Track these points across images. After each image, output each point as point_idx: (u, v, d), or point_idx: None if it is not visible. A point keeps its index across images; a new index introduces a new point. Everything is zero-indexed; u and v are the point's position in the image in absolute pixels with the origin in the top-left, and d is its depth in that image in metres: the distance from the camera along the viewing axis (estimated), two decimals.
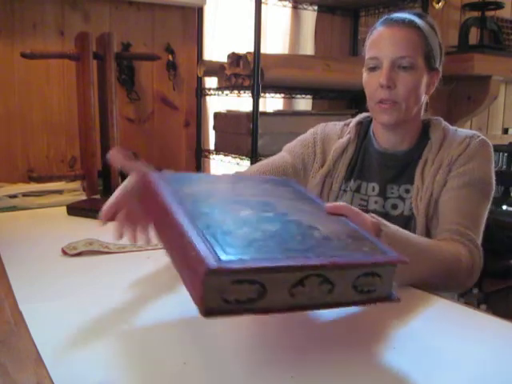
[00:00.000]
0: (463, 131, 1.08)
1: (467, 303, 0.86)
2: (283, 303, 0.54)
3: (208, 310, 0.51)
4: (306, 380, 0.57)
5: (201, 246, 0.53)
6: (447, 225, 0.97)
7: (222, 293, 0.51)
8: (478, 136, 1.05)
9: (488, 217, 1.03)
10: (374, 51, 1.04)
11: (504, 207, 2.42)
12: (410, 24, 1.02)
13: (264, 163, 1.21)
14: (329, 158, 1.16)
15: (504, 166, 2.69)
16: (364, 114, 1.19)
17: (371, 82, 1.05)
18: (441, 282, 0.88)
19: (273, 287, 0.53)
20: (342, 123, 1.22)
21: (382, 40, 1.03)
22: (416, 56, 1.01)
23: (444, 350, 0.65)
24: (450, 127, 1.10)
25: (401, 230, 0.84)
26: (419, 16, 1.06)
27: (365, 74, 1.07)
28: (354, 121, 1.19)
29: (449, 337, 0.69)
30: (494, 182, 1.03)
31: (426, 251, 0.86)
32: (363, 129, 1.17)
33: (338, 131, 1.19)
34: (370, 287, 0.59)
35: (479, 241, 0.98)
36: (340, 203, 0.74)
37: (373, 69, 1.04)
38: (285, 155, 1.21)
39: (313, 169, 1.18)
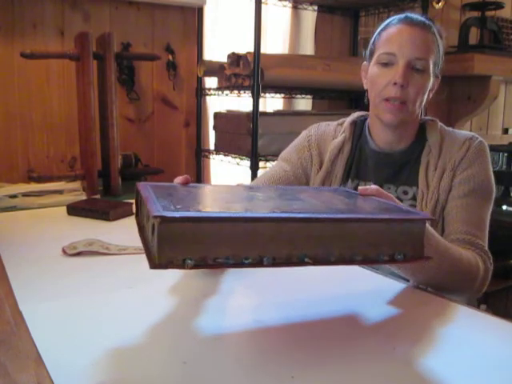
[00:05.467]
0: (460, 133, 1.08)
1: (467, 303, 0.86)
2: None
3: None
4: (307, 380, 0.57)
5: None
6: (457, 234, 0.99)
7: None
8: (477, 138, 1.06)
9: None
10: (390, 46, 1.02)
11: (504, 207, 2.42)
12: (430, 28, 1.02)
13: (266, 178, 1.18)
14: (326, 159, 1.15)
15: (504, 166, 2.69)
16: (357, 113, 1.18)
17: (382, 78, 1.02)
18: (458, 286, 0.90)
19: None
20: (335, 123, 1.20)
21: (401, 37, 1.01)
22: (429, 60, 1.01)
23: (443, 349, 0.65)
24: (446, 128, 1.10)
25: (439, 237, 0.85)
26: (431, 21, 1.05)
27: (374, 69, 1.04)
28: (347, 120, 1.18)
29: (448, 337, 0.69)
30: (494, 183, 1.05)
31: (452, 253, 0.87)
32: (358, 128, 1.16)
33: (332, 131, 1.18)
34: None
35: (486, 246, 1.00)
36: (371, 186, 0.79)
37: (385, 64, 1.02)
38: (283, 165, 1.19)
39: (312, 172, 1.16)
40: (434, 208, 1.02)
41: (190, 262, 0.54)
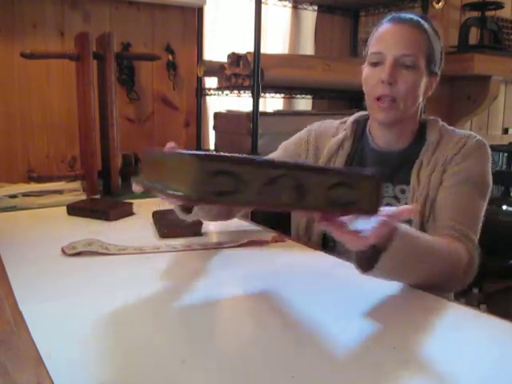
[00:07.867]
0: (460, 132, 1.08)
1: (467, 303, 0.85)
2: (252, 199, 0.58)
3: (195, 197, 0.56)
4: (307, 380, 0.57)
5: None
6: (443, 221, 0.98)
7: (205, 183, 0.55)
8: (475, 136, 1.06)
9: (488, 217, 1.03)
10: (378, 46, 1.04)
11: (504, 207, 2.42)
12: (417, 24, 1.02)
13: None
14: (323, 154, 1.17)
15: (504, 166, 2.69)
16: (360, 113, 1.19)
17: (372, 78, 1.04)
18: (440, 281, 0.88)
19: (247, 182, 0.57)
20: (338, 121, 1.22)
21: (387, 36, 1.03)
22: (419, 56, 1.01)
23: (443, 350, 0.65)
24: (448, 127, 1.10)
25: (412, 228, 0.84)
26: (425, 19, 1.06)
27: (366, 69, 1.06)
28: (350, 119, 1.19)
29: (448, 337, 0.69)
30: (490, 180, 1.03)
31: (432, 251, 0.85)
32: (360, 127, 1.17)
33: (334, 129, 1.20)
34: (347, 199, 0.64)
35: (476, 237, 0.98)
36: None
37: (375, 64, 1.04)
38: (280, 153, 1.22)
39: None
40: (424, 203, 1.02)
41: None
